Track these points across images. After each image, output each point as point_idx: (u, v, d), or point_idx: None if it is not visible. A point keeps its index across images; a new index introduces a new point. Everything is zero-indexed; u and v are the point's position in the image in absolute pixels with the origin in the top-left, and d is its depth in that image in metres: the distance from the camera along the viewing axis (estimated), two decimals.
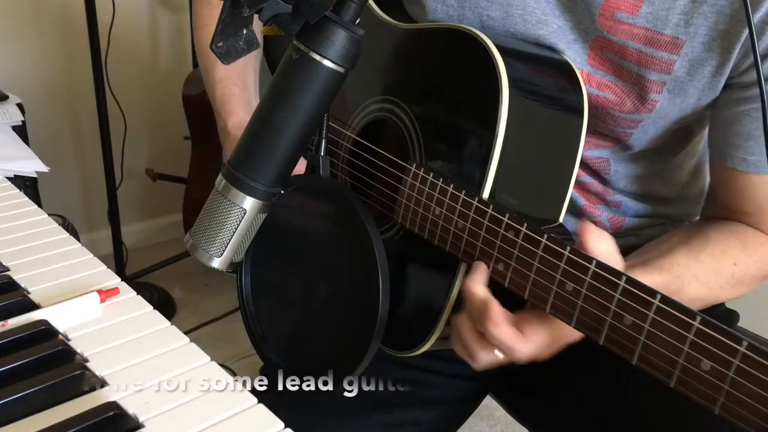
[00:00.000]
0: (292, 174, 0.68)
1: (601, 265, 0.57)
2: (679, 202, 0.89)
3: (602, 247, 0.60)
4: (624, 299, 0.55)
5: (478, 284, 0.65)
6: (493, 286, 0.65)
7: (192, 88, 1.96)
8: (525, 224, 0.62)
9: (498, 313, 0.63)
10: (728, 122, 0.73)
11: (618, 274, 0.56)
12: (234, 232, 0.66)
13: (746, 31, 0.67)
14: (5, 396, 0.53)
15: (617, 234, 0.88)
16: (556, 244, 0.60)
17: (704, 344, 0.50)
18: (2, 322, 0.61)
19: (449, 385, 0.89)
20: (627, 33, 0.72)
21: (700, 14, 0.69)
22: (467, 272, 0.68)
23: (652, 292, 0.54)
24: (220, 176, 0.67)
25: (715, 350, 0.50)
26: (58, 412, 0.52)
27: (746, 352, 0.48)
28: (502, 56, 0.68)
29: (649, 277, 0.69)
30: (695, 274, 0.71)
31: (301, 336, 0.75)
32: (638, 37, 0.71)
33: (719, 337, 0.49)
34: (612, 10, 0.71)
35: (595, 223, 0.85)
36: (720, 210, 0.79)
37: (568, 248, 0.59)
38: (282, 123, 0.63)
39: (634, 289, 0.55)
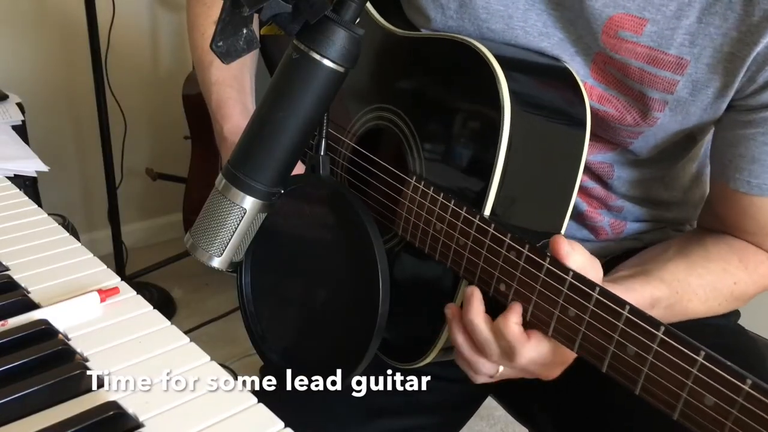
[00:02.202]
0: (292, 174, 0.68)
1: (604, 292, 0.57)
2: (680, 207, 0.89)
3: (575, 260, 0.60)
4: (627, 329, 0.55)
5: (511, 322, 0.64)
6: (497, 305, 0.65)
7: (192, 88, 1.96)
8: (527, 246, 0.62)
9: (513, 311, 0.63)
10: (731, 144, 0.72)
11: (621, 302, 0.56)
12: (234, 232, 0.66)
13: (752, 55, 0.67)
14: (5, 395, 0.52)
15: (618, 239, 0.88)
16: (559, 269, 0.59)
17: (708, 380, 0.50)
18: (2, 322, 0.61)
19: (450, 389, 0.89)
20: (630, 51, 0.71)
21: (706, 35, 0.68)
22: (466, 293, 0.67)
23: (655, 324, 0.53)
24: (220, 176, 0.67)
25: (719, 387, 0.49)
26: (58, 411, 0.52)
27: (750, 390, 0.48)
28: (503, 69, 0.67)
29: (648, 290, 0.68)
30: (695, 291, 0.71)
31: (302, 335, 0.75)
32: (641, 55, 0.71)
33: (723, 374, 0.49)
34: (615, 28, 0.70)
35: (597, 228, 0.86)
36: (719, 225, 0.79)
37: (571, 273, 0.59)
38: (282, 122, 0.63)
39: (637, 320, 0.54)
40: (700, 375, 0.50)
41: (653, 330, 0.53)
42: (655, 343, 0.53)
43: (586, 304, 0.57)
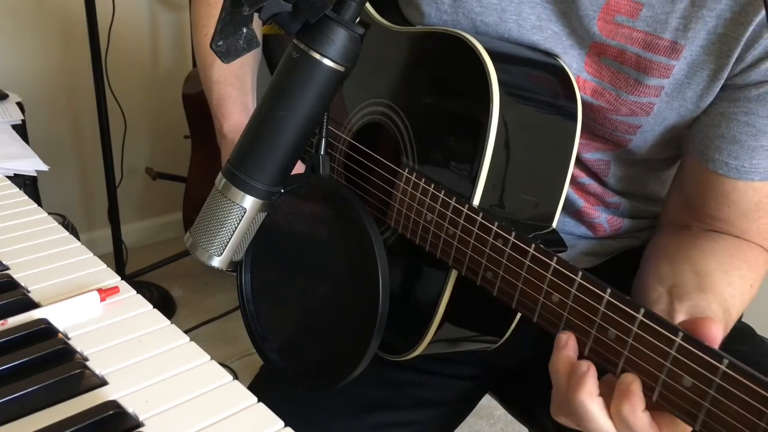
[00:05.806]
0: (292, 173, 0.68)
1: (586, 277, 0.57)
2: None
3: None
4: (608, 312, 0.55)
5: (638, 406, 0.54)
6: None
7: (192, 87, 1.96)
8: (513, 233, 0.62)
9: (635, 395, 0.53)
10: (713, 124, 0.72)
11: (603, 287, 0.56)
12: (234, 231, 0.66)
13: (746, 35, 0.66)
14: (5, 395, 0.53)
15: (616, 235, 0.88)
16: (544, 255, 0.60)
17: (686, 361, 0.50)
18: (2, 321, 0.61)
19: (446, 385, 0.89)
20: (626, 37, 0.71)
21: (699, 18, 0.68)
22: (455, 278, 0.67)
23: (635, 307, 0.54)
24: (220, 175, 0.67)
25: (696, 367, 0.50)
26: (58, 410, 0.52)
27: (727, 370, 0.48)
28: (493, 61, 0.68)
29: None
30: (731, 314, 0.69)
31: (301, 335, 0.75)
32: (637, 41, 0.71)
33: (701, 354, 0.50)
34: (612, 13, 0.71)
35: (595, 224, 0.86)
36: (696, 216, 0.77)
37: (555, 258, 0.59)
38: (282, 122, 0.63)
39: (618, 303, 0.55)
40: (678, 356, 0.51)
41: (633, 312, 0.54)
42: (635, 326, 0.53)
43: (569, 288, 0.58)
